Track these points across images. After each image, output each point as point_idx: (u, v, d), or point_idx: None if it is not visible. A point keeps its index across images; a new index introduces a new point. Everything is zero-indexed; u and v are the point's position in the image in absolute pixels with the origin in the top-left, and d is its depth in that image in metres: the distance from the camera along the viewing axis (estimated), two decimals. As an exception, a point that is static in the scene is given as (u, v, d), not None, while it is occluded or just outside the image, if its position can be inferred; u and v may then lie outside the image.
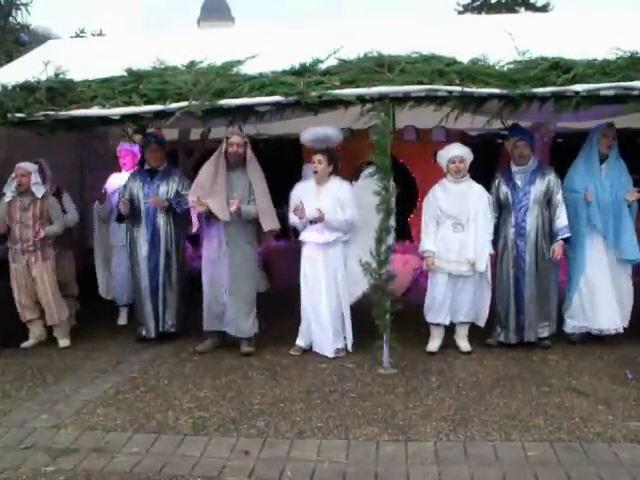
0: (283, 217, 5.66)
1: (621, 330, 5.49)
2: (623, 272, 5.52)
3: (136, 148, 6.64)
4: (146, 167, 5.95)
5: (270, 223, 5.45)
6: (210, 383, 4.86)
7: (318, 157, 5.34)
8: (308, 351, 5.50)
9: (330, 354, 5.36)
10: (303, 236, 5.45)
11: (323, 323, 5.41)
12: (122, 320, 6.66)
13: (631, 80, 4.62)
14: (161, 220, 5.81)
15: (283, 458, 3.62)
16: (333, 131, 5.45)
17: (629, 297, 5.55)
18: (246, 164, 5.46)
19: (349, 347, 5.45)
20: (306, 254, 5.45)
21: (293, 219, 5.45)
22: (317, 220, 5.24)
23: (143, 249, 5.80)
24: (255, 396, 4.57)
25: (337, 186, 5.38)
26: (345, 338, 5.47)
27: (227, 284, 5.46)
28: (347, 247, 5.43)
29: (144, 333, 5.88)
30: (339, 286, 5.41)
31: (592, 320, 5.53)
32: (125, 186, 5.94)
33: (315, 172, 5.36)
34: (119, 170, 6.67)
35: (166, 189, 5.81)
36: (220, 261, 5.47)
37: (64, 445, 3.82)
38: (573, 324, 5.63)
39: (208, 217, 5.41)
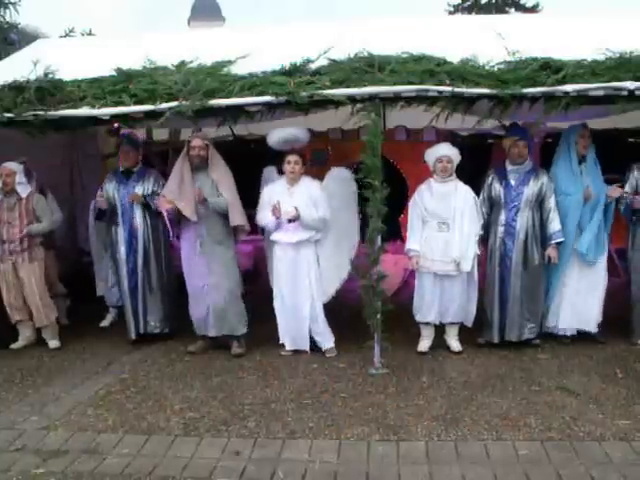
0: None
1: (597, 329, 5.57)
2: (601, 272, 5.55)
3: None
4: (121, 169, 5.92)
5: (237, 218, 5.46)
6: (201, 384, 4.85)
7: (294, 158, 5.35)
8: (299, 351, 5.50)
9: (307, 348, 5.44)
10: (275, 236, 5.44)
11: (297, 322, 5.43)
12: (107, 321, 6.63)
13: (620, 80, 4.64)
14: (138, 220, 5.78)
15: (274, 458, 3.62)
16: (301, 131, 5.48)
17: (601, 296, 5.57)
18: (209, 166, 5.47)
19: (327, 346, 5.47)
20: (279, 255, 5.44)
21: (264, 220, 5.44)
22: (293, 219, 5.24)
23: (122, 250, 5.78)
24: (246, 397, 4.57)
25: (309, 185, 5.40)
26: (323, 337, 5.49)
27: (207, 285, 5.47)
28: (318, 247, 5.45)
29: (128, 336, 5.85)
30: (313, 285, 5.41)
31: (574, 319, 5.57)
32: (101, 188, 5.90)
33: (292, 173, 5.36)
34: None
35: (141, 190, 5.79)
36: (197, 262, 5.48)
37: (54, 447, 3.81)
38: (559, 325, 5.65)
39: (181, 219, 5.44)
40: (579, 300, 5.52)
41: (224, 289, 5.48)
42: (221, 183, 5.48)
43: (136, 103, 4.96)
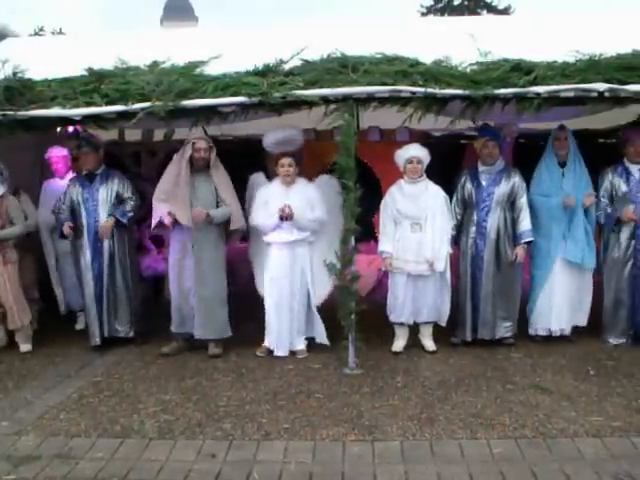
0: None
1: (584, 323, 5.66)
2: (586, 273, 5.62)
3: (67, 152, 6.55)
4: (84, 172, 5.85)
5: (238, 221, 5.47)
6: (175, 386, 4.82)
7: (288, 161, 5.35)
8: (274, 352, 5.48)
9: (302, 355, 5.43)
10: (269, 237, 5.43)
11: (293, 323, 5.42)
12: (80, 325, 6.54)
13: (590, 82, 4.70)
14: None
15: (250, 460, 3.60)
16: (296, 132, 5.47)
17: (588, 297, 5.65)
18: (210, 168, 5.45)
19: (324, 342, 5.47)
20: (273, 255, 5.43)
21: (259, 219, 5.42)
22: (288, 217, 5.22)
23: (87, 254, 5.69)
24: (221, 398, 4.55)
25: (304, 187, 5.41)
26: (315, 336, 5.51)
27: (194, 287, 5.44)
28: (312, 249, 5.44)
29: (92, 341, 5.76)
30: (308, 286, 5.42)
31: (554, 321, 5.63)
32: (65, 193, 5.82)
33: (287, 176, 5.35)
34: (52, 176, 6.55)
35: (106, 192, 5.72)
36: (186, 264, 5.44)
37: (26, 452, 3.75)
38: (537, 326, 5.72)
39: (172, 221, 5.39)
40: (573, 299, 5.59)
41: (213, 293, 5.45)
42: (222, 186, 5.46)
43: (108, 103, 4.91)
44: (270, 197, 5.37)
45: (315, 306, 5.49)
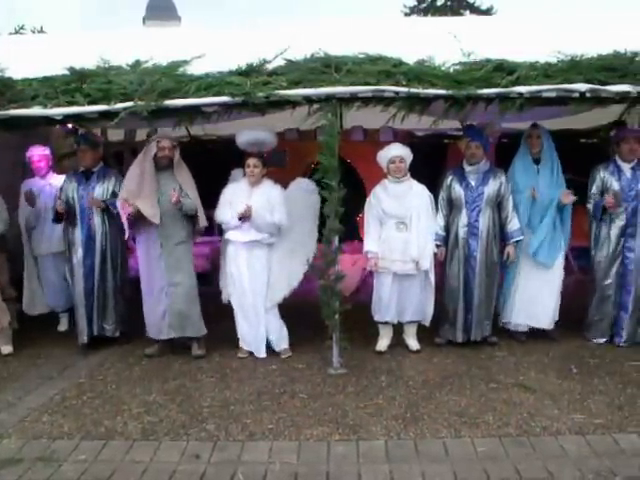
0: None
1: (552, 326, 5.69)
2: (557, 270, 5.66)
3: (49, 151, 6.50)
4: (81, 169, 5.83)
5: (203, 220, 5.51)
6: (159, 387, 4.80)
7: (254, 162, 5.34)
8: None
9: (262, 354, 5.42)
10: (229, 235, 5.42)
11: (252, 323, 5.42)
12: (63, 326, 6.50)
13: (571, 82, 4.74)
14: (97, 222, 5.68)
15: (234, 461, 3.60)
16: (268, 135, 5.46)
17: (558, 294, 5.69)
18: (174, 167, 5.46)
19: (281, 348, 5.47)
20: (230, 253, 5.43)
21: (223, 216, 5.40)
22: (245, 216, 5.21)
23: (79, 252, 5.65)
24: (205, 399, 4.53)
25: (269, 189, 5.40)
26: (277, 338, 5.49)
27: (166, 286, 5.42)
28: (272, 251, 5.43)
29: (79, 339, 5.71)
30: (265, 287, 5.40)
31: (528, 316, 5.68)
32: (61, 189, 5.80)
33: (252, 176, 5.35)
34: (32, 176, 6.48)
35: (102, 190, 5.70)
36: (156, 263, 5.43)
37: (8, 455, 3.71)
38: (504, 320, 5.78)
39: (139, 220, 5.37)
40: (534, 298, 5.61)
41: (185, 290, 5.44)
42: (186, 185, 5.46)
43: (90, 103, 4.87)
44: (234, 196, 5.37)
45: (276, 308, 5.47)
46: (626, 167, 5.55)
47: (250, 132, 5.39)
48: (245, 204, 5.20)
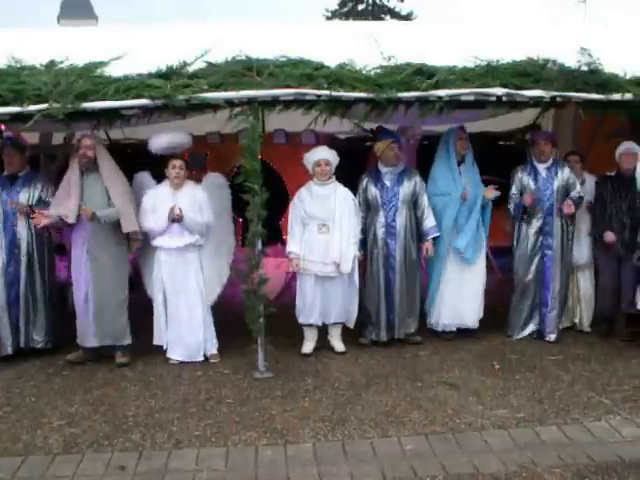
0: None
1: (477, 325, 5.84)
2: (480, 269, 5.82)
3: None
4: (5, 173, 5.60)
5: (129, 225, 5.26)
6: (81, 398, 4.66)
7: (179, 163, 5.28)
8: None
9: (199, 358, 5.37)
10: (158, 241, 5.31)
11: (190, 329, 5.34)
12: None
13: (488, 87, 4.90)
14: (22, 228, 5.46)
15: (161, 470, 3.53)
16: (183, 136, 5.41)
17: (482, 292, 5.84)
18: (99, 168, 5.29)
19: (211, 353, 5.43)
20: (163, 260, 5.33)
21: (148, 223, 5.28)
22: (178, 219, 5.15)
23: (1, 259, 5.43)
24: (129, 408, 4.43)
25: (192, 190, 5.35)
26: (209, 343, 5.44)
27: (91, 291, 5.28)
28: (201, 252, 5.40)
29: (3, 351, 5.47)
30: (199, 290, 5.36)
31: (454, 316, 5.81)
32: None
33: (177, 178, 5.28)
34: None
35: (27, 196, 5.50)
36: (83, 268, 5.28)
37: None
38: (432, 320, 5.89)
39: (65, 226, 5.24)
40: (459, 298, 5.75)
41: (109, 297, 5.29)
42: (112, 188, 5.27)
43: (1, 104, 4.69)
44: (158, 200, 5.28)
45: (209, 311, 5.44)
46: (541, 167, 5.77)
47: (164, 136, 5.30)
48: (173, 205, 5.14)
